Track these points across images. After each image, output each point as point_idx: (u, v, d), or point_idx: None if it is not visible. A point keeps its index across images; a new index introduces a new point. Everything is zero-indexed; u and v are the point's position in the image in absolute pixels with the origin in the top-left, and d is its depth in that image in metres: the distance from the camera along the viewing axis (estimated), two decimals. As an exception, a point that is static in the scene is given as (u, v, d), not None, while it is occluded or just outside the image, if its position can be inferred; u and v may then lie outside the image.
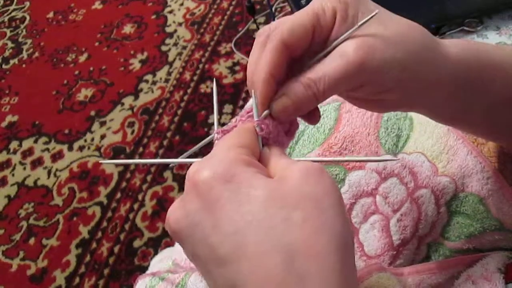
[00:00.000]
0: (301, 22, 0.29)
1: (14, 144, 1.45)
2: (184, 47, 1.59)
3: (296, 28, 0.29)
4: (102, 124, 1.44)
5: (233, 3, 1.72)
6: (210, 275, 0.23)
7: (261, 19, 1.56)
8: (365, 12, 0.29)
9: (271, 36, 0.29)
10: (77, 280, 1.13)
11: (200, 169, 0.24)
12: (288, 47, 0.29)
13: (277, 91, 0.30)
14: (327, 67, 0.28)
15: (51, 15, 1.85)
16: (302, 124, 0.50)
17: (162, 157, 1.30)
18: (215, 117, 0.33)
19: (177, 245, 0.59)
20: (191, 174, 0.24)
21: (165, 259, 0.56)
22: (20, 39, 1.79)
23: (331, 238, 0.22)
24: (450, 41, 0.32)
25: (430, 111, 0.34)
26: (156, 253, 1.13)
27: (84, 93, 1.54)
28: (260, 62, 0.29)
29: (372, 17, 0.28)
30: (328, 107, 0.50)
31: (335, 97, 0.50)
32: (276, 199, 0.22)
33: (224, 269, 0.22)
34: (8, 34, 1.83)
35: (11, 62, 1.71)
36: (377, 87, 0.29)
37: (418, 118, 0.47)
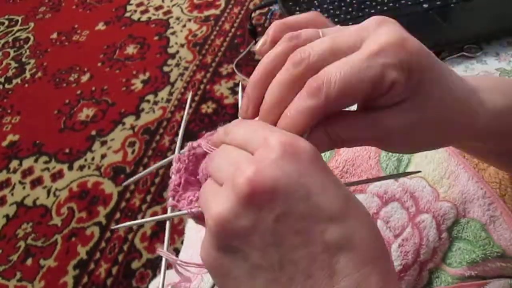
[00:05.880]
0: (353, 93, 0.25)
1: (14, 164, 1.45)
2: (186, 68, 1.61)
3: (348, 94, 0.25)
4: (103, 143, 1.44)
5: (235, 25, 1.74)
6: (306, 234, 0.24)
7: (262, 41, 1.58)
8: (432, 80, 0.26)
9: (315, 85, 0.25)
10: (74, 302, 1.12)
11: (297, 141, 0.25)
12: (328, 107, 0.25)
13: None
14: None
15: (54, 35, 1.88)
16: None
17: (162, 174, 1.30)
18: (179, 139, 0.34)
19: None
20: (278, 141, 0.25)
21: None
22: (23, 59, 1.80)
23: None
24: (478, 82, 0.31)
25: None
26: (154, 274, 1.12)
27: (86, 113, 1.55)
28: (294, 108, 0.26)
29: (412, 173, 0.32)
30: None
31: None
32: None
33: (331, 225, 0.24)
34: (12, 54, 1.85)
35: (14, 81, 1.73)
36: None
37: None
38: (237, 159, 0.26)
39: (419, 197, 0.44)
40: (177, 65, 1.63)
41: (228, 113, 1.43)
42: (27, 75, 1.73)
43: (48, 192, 1.34)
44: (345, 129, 0.27)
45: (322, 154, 0.48)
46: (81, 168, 1.38)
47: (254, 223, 0.24)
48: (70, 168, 1.39)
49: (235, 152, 0.27)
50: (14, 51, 1.85)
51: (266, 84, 0.28)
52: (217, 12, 1.82)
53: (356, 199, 0.26)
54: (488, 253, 0.40)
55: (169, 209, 0.32)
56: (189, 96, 0.36)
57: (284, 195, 0.24)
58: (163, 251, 0.30)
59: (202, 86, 1.54)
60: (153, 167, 0.35)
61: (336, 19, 0.81)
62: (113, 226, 0.32)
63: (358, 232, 0.24)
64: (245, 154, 0.26)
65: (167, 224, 0.32)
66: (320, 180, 0.24)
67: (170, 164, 0.34)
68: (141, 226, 1.21)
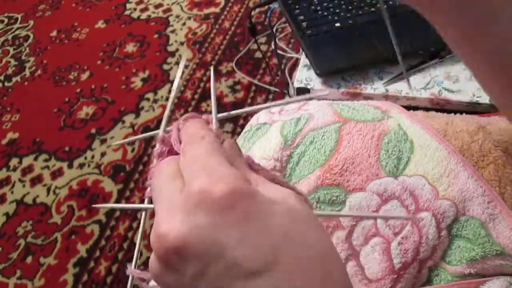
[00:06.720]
0: None
1: (14, 161, 1.45)
2: (186, 66, 1.61)
3: None
4: (103, 141, 1.44)
5: (235, 23, 1.74)
6: None
7: (262, 39, 1.58)
8: None
9: None
10: (74, 300, 1.12)
11: (215, 184, 0.22)
12: None
13: None
14: None
15: (54, 33, 1.87)
16: (302, 145, 0.50)
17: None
18: (166, 115, 0.30)
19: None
20: (197, 187, 0.23)
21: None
22: (23, 57, 1.80)
23: None
24: None
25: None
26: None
27: (85, 111, 1.54)
28: None
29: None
30: (329, 128, 0.50)
31: (336, 118, 0.50)
32: (295, 214, 0.24)
33: (254, 282, 0.22)
34: (12, 52, 1.84)
35: (14, 79, 1.72)
36: None
37: (419, 142, 0.47)
38: (160, 206, 0.25)
39: (419, 195, 0.44)
40: (177, 63, 1.63)
41: (227, 111, 1.42)
42: (27, 73, 1.73)
43: (48, 190, 1.35)
44: None
45: (322, 152, 0.48)
46: (81, 166, 1.38)
47: (176, 280, 0.23)
48: (70, 166, 1.39)
49: (164, 191, 0.25)
50: (14, 49, 1.85)
51: None
52: (217, 10, 1.82)
53: (294, 242, 0.23)
54: (488, 251, 0.40)
55: (146, 200, 0.29)
56: (182, 61, 0.32)
57: (196, 254, 0.22)
58: (132, 269, 0.29)
59: (202, 85, 1.54)
60: (142, 135, 0.32)
61: (336, 17, 0.81)
62: (94, 205, 0.31)
63: (289, 284, 0.22)
64: (169, 200, 0.24)
65: (142, 215, 0.31)
66: (238, 231, 0.22)
67: None
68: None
